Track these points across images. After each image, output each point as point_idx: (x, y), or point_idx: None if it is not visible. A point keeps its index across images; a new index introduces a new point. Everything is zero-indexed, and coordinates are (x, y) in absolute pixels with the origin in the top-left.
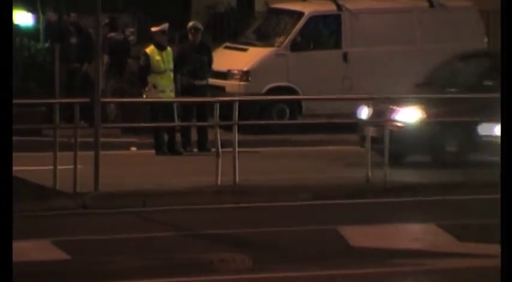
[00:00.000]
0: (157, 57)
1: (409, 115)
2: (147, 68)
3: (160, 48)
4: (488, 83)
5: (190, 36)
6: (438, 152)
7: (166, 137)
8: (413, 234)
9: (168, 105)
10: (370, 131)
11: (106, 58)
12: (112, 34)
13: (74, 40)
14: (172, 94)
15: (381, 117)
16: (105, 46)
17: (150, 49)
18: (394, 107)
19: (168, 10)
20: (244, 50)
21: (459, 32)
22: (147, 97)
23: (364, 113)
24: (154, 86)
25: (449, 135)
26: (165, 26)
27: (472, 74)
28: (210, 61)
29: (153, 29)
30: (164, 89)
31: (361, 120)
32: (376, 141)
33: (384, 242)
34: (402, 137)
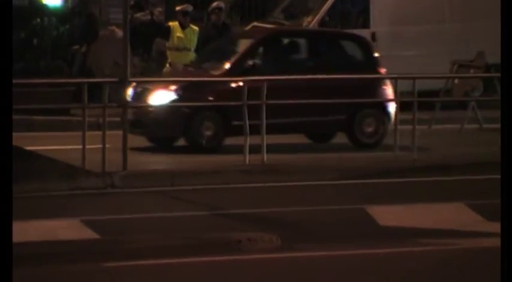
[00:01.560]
0: (179, 34)
1: (161, 97)
2: (165, 36)
3: (182, 27)
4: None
5: (213, 16)
6: (193, 136)
7: None
8: (441, 213)
9: None
10: (130, 114)
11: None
12: (138, 15)
13: (76, 21)
14: None
15: (140, 99)
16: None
17: (174, 24)
18: (151, 89)
19: None
20: None
21: (488, 11)
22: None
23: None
24: (170, 64)
25: (204, 119)
26: (186, 6)
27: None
28: None
29: (177, 8)
30: (177, 66)
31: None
32: (135, 124)
33: (412, 221)
34: (157, 120)
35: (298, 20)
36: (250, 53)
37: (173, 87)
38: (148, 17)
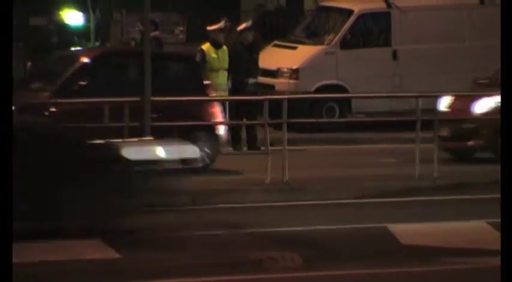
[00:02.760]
0: (213, 55)
1: None
2: (202, 63)
3: (216, 46)
4: None
5: (243, 35)
6: None
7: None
8: (463, 232)
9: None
10: None
11: None
12: (153, 34)
13: (54, 39)
14: (224, 93)
15: None
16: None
17: (206, 46)
18: None
19: (217, 9)
20: (294, 48)
21: None
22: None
23: None
24: (218, 84)
25: None
26: (222, 24)
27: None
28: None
29: (210, 27)
30: (217, 87)
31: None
32: None
33: (433, 240)
34: None
35: (320, 38)
36: (79, 73)
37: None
38: (155, 33)
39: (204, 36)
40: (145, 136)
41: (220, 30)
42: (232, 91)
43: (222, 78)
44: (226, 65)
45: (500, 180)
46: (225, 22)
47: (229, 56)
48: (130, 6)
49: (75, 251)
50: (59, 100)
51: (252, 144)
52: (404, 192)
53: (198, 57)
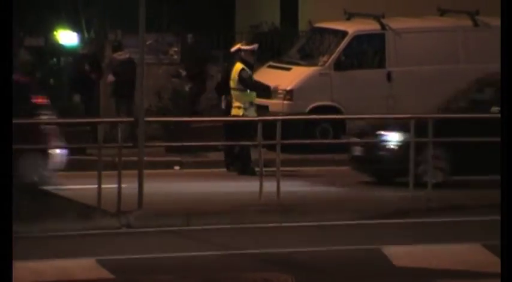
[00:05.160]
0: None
1: None
2: (250, 78)
3: (249, 66)
4: None
5: (253, 57)
6: None
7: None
8: (457, 254)
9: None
10: None
11: (110, 77)
12: (117, 54)
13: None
14: (254, 113)
15: None
16: (110, 66)
17: (242, 66)
18: None
19: (212, 30)
20: (288, 69)
21: None
22: (243, 115)
23: None
24: (251, 103)
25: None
26: (255, 46)
27: None
28: None
29: (243, 47)
30: (248, 106)
31: None
32: None
33: (427, 262)
34: None
35: (314, 59)
36: None
37: None
38: (127, 55)
39: (198, 57)
40: (139, 156)
41: (252, 51)
42: (226, 112)
43: (249, 97)
44: None
45: (501, 182)
46: (256, 45)
47: (225, 77)
48: (125, 27)
49: (66, 272)
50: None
51: (246, 167)
52: (398, 214)
53: (247, 75)
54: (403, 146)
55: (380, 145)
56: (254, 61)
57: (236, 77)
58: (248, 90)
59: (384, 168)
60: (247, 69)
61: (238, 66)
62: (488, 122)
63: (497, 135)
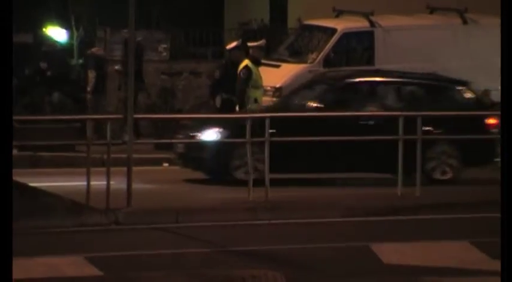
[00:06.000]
0: (256, 72)
1: None
2: (248, 81)
3: (257, 63)
4: None
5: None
6: None
7: None
8: (445, 251)
9: None
10: None
11: (92, 73)
12: (93, 49)
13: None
14: None
15: None
16: (88, 62)
17: (249, 63)
18: None
19: (201, 27)
20: (277, 66)
21: (492, 49)
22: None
23: None
24: (256, 100)
25: None
26: (263, 42)
27: None
28: None
29: (251, 44)
30: (260, 103)
31: None
32: None
33: (416, 259)
34: None
35: (303, 57)
36: None
37: None
38: (102, 52)
39: (188, 53)
40: (128, 153)
41: (260, 47)
42: (221, 109)
43: (261, 95)
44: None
45: (501, 180)
46: (263, 41)
47: (224, 74)
48: (114, 24)
49: (55, 269)
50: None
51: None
52: (387, 212)
53: (243, 74)
54: (219, 144)
55: (198, 143)
56: (261, 57)
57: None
58: (251, 87)
59: (202, 166)
60: (248, 70)
61: (244, 63)
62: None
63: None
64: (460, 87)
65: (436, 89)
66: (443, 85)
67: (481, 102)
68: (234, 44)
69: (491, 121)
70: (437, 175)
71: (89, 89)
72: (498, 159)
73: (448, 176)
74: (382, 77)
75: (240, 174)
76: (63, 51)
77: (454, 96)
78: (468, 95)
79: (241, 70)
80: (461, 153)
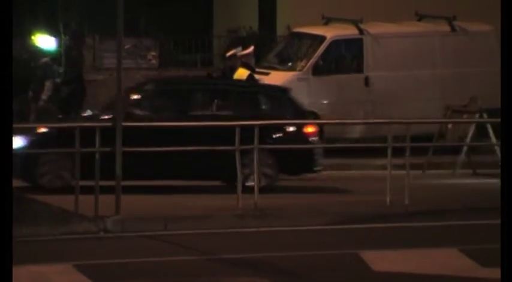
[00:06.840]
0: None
1: None
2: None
3: (250, 68)
4: None
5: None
6: None
7: None
8: (434, 259)
9: None
10: None
11: (49, 83)
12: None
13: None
14: None
15: None
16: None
17: (246, 72)
18: None
19: (190, 35)
20: (266, 74)
21: (481, 57)
22: None
23: None
24: None
25: None
26: (252, 48)
27: None
28: None
29: (241, 53)
30: None
31: None
32: None
33: (405, 266)
34: None
35: (292, 64)
36: None
37: None
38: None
39: (176, 61)
40: (117, 161)
41: (250, 55)
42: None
43: None
44: None
45: (501, 181)
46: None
47: None
48: (103, 32)
49: (43, 277)
50: None
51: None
52: (376, 219)
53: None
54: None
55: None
56: (253, 63)
57: None
58: None
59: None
60: (253, 75)
61: (243, 72)
62: None
63: None
64: (280, 95)
65: (255, 95)
66: (263, 92)
67: (301, 110)
68: (232, 52)
69: (310, 129)
70: (251, 182)
71: (44, 97)
72: (319, 168)
73: (263, 183)
74: (195, 83)
75: (44, 181)
76: (30, 58)
77: (272, 103)
78: (289, 102)
79: (247, 78)
80: (277, 162)
